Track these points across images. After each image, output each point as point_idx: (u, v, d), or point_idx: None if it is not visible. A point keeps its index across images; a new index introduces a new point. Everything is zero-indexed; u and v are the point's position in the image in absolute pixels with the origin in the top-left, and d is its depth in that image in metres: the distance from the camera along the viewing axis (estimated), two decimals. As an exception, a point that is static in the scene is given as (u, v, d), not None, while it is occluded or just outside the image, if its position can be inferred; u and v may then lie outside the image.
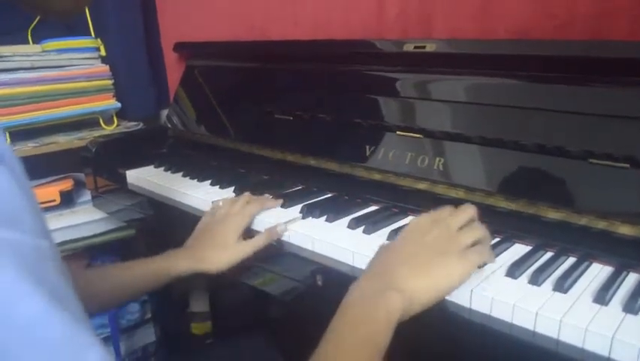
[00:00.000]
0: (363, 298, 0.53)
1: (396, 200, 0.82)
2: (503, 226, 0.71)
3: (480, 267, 0.59)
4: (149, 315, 1.49)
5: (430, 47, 0.82)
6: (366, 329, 0.50)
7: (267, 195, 0.87)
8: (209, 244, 0.78)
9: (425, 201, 0.79)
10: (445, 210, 0.63)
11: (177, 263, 0.77)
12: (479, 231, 0.60)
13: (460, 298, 0.57)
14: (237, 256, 0.77)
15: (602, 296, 0.54)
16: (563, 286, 0.56)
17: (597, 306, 0.53)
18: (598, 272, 0.61)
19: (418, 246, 0.57)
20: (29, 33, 1.44)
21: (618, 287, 0.57)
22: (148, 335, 1.51)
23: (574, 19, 0.78)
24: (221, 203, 0.85)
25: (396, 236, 0.69)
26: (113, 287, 0.76)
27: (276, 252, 0.78)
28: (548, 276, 0.59)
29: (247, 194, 0.86)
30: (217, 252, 0.77)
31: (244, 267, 0.83)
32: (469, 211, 0.62)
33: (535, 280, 0.58)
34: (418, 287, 0.53)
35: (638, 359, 0.47)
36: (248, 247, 0.77)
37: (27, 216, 0.27)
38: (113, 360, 0.28)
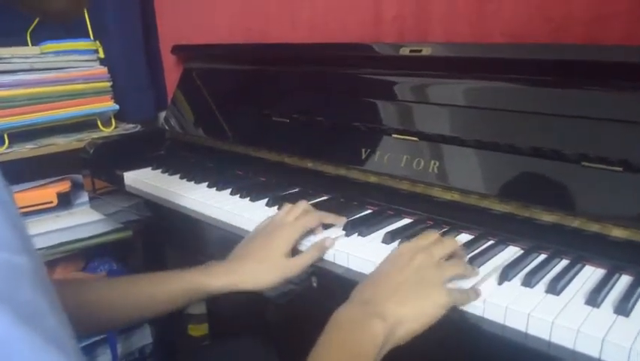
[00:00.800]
0: (348, 322, 0.53)
1: (392, 202, 0.83)
2: (497, 229, 0.72)
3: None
4: (145, 317, 1.48)
5: (426, 51, 0.82)
6: (350, 353, 0.50)
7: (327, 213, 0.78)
8: (254, 258, 0.70)
9: (421, 204, 0.80)
10: (430, 236, 0.63)
11: (215, 279, 0.68)
12: (462, 265, 0.60)
13: (453, 300, 0.58)
14: (283, 275, 0.69)
15: (593, 298, 0.54)
16: (555, 288, 0.57)
17: (589, 308, 0.54)
18: (590, 274, 0.61)
19: (402, 274, 0.57)
20: (28, 35, 1.44)
21: (610, 289, 0.57)
22: (145, 337, 1.51)
23: (569, 24, 0.78)
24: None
25: (390, 240, 0.70)
26: (137, 301, 0.67)
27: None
28: (541, 278, 0.60)
29: (304, 202, 0.77)
30: (260, 269, 0.69)
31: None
32: (453, 243, 0.62)
33: (528, 282, 0.58)
34: (402, 316, 0.53)
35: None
36: (296, 265, 0.69)
37: (2, 232, 0.26)
38: None
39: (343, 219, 0.76)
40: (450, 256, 0.61)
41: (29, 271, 0.27)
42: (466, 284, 0.59)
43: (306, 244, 0.73)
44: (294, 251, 0.72)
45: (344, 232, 0.75)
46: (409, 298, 0.54)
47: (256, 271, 0.68)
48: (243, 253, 0.72)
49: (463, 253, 0.64)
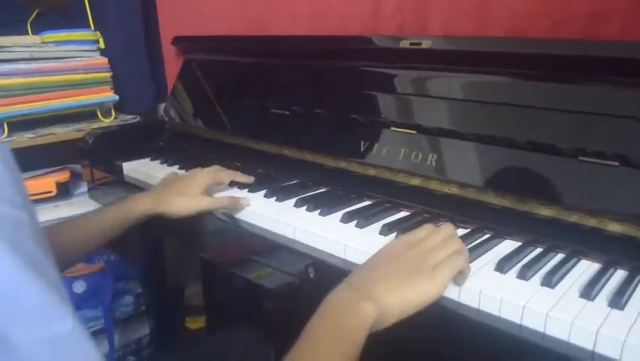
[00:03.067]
0: (339, 305, 0.54)
1: (390, 195, 0.83)
2: (494, 222, 0.72)
3: (456, 280, 0.59)
4: (143, 308, 1.49)
5: (426, 44, 0.82)
6: (340, 334, 0.50)
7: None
8: (172, 190, 0.83)
9: (418, 197, 0.80)
10: (424, 230, 0.63)
11: (137, 205, 0.81)
12: (452, 245, 0.60)
13: (449, 291, 0.58)
14: (197, 206, 0.81)
15: (588, 292, 0.55)
16: (550, 281, 0.57)
17: (583, 301, 0.54)
18: (586, 268, 0.61)
19: (392, 265, 0.58)
20: (29, 25, 1.44)
21: (605, 283, 0.57)
22: (142, 328, 1.51)
23: (568, 19, 0.78)
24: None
25: (387, 232, 0.71)
26: (74, 239, 0.78)
27: (270, 244, 0.78)
28: (536, 271, 0.60)
29: (218, 166, 0.92)
30: (178, 198, 0.81)
31: (238, 259, 0.84)
32: (446, 230, 0.62)
33: (524, 275, 0.59)
34: (391, 302, 0.53)
35: (621, 353, 0.48)
36: (208, 201, 0.82)
37: (5, 188, 0.28)
38: (85, 332, 0.29)
39: (251, 178, 0.91)
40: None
41: (29, 225, 0.29)
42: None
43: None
44: None
45: (341, 223, 0.75)
46: (399, 283, 0.55)
47: (174, 199, 0.82)
48: (165, 186, 0.86)
49: (456, 236, 0.63)
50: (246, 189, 0.90)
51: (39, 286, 0.27)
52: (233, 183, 0.94)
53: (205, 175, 0.86)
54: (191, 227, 0.98)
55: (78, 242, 0.78)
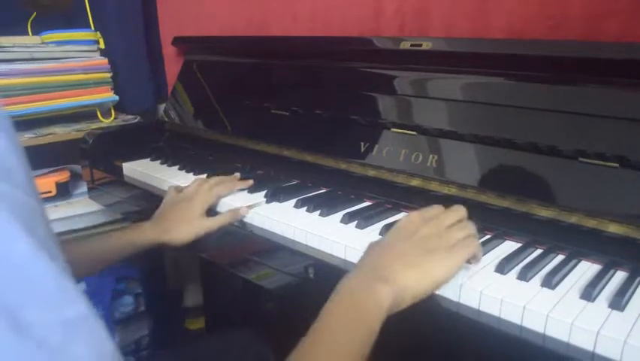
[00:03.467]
0: (354, 288, 0.54)
1: (390, 196, 0.83)
2: (494, 223, 0.72)
3: (469, 262, 0.60)
4: (142, 308, 1.49)
5: (427, 45, 0.82)
6: (356, 317, 0.50)
7: (237, 174, 0.94)
8: (174, 217, 0.83)
9: (418, 198, 0.80)
10: (436, 208, 0.63)
11: (141, 235, 0.81)
12: (468, 228, 0.61)
13: (449, 292, 0.58)
14: (200, 230, 0.81)
15: (588, 293, 0.55)
16: (550, 282, 0.57)
17: (584, 302, 0.54)
18: (586, 270, 0.61)
19: (407, 243, 0.58)
20: (29, 25, 1.44)
21: (605, 285, 0.58)
22: (141, 328, 1.51)
23: (568, 20, 0.79)
24: (183, 184, 0.91)
25: (388, 231, 0.71)
26: (83, 258, 0.79)
27: (270, 245, 0.78)
28: (537, 272, 0.60)
29: (218, 178, 0.90)
30: (181, 225, 0.81)
31: (237, 259, 0.84)
32: (459, 211, 0.63)
33: (524, 276, 0.59)
34: (408, 281, 0.54)
35: (621, 354, 0.48)
36: (211, 222, 0.81)
37: (20, 174, 0.28)
38: (99, 319, 0.29)
39: (250, 182, 0.90)
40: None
41: (39, 213, 0.29)
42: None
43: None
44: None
45: (341, 223, 0.75)
46: (414, 263, 0.55)
47: (176, 228, 0.81)
48: (164, 214, 0.85)
49: (467, 219, 0.64)
50: (246, 190, 0.90)
51: (54, 269, 0.27)
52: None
53: (203, 196, 0.85)
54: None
55: (80, 263, 0.78)
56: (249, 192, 0.90)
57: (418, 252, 0.56)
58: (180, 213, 0.83)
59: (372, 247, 0.61)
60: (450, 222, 0.61)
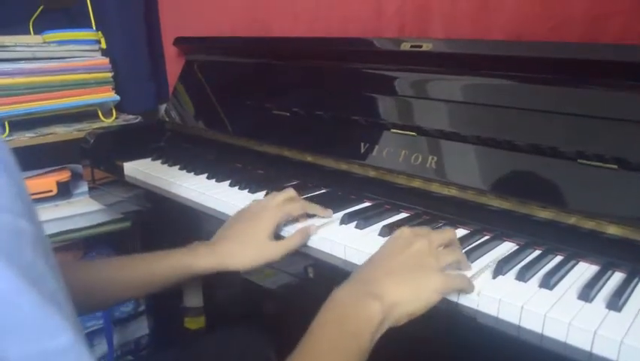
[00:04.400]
0: (343, 300, 0.53)
1: (390, 197, 0.83)
2: (494, 224, 0.72)
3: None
4: (142, 308, 1.49)
5: (427, 47, 0.83)
6: (345, 330, 0.50)
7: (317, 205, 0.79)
8: (237, 239, 0.72)
9: (418, 199, 0.80)
10: (426, 229, 0.63)
11: (200, 259, 0.70)
12: (457, 253, 0.60)
13: (448, 292, 0.58)
14: (267, 257, 0.71)
15: (586, 293, 0.55)
16: (548, 283, 0.57)
17: (581, 303, 0.54)
18: (584, 270, 0.62)
19: (400, 258, 0.57)
20: (31, 24, 1.45)
21: (603, 285, 0.58)
22: (141, 328, 1.51)
23: (568, 22, 0.79)
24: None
25: (387, 234, 0.71)
26: (128, 280, 0.70)
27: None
28: (535, 273, 0.60)
29: (291, 190, 0.79)
30: (244, 249, 0.71)
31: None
32: (449, 232, 0.63)
33: (522, 276, 0.59)
34: (399, 297, 0.53)
35: (618, 354, 0.48)
36: (280, 248, 0.71)
37: (4, 196, 0.27)
38: (86, 348, 0.28)
39: (329, 212, 0.78)
40: (447, 246, 0.62)
41: (31, 235, 0.28)
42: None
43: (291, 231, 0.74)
44: (277, 238, 0.73)
45: (341, 225, 0.75)
46: (406, 280, 0.55)
47: (240, 252, 0.71)
48: (227, 235, 0.74)
49: (459, 244, 0.64)
50: (246, 190, 0.91)
51: (35, 298, 0.26)
52: (235, 183, 0.94)
53: (273, 214, 0.73)
54: (192, 226, 0.98)
55: (122, 285, 0.70)
56: (249, 191, 0.90)
57: (411, 268, 0.56)
58: (243, 234, 0.72)
59: (366, 262, 0.60)
60: (440, 242, 0.60)
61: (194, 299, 1.68)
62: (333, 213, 0.79)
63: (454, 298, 0.58)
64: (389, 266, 0.57)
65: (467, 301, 0.57)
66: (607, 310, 0.53)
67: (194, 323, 1.67)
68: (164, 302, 1.53)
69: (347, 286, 0.56)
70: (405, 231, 0.62)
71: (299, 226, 0.74)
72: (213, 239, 0.74)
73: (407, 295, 0.54)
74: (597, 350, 0.49)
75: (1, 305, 0.25)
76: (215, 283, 1.55)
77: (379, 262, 0.59)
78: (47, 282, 0.27)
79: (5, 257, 0.25)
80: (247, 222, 0.73)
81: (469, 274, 0.60)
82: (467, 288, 0.57)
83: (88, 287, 0.65)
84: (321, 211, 0.78)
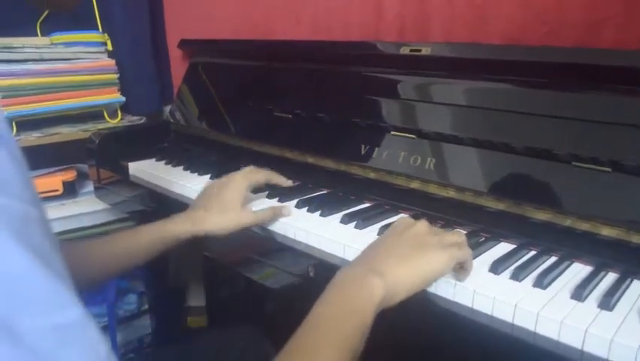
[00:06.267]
0: (347, 279, 0.55)
1: (389, 198, 0.85)
2: (491, 225, 0.74)
3: (459, 279, 0.60)
4: (146, 306, 1.51)
5: (426, 51, 0.84)
6: (348, 306, 0.52)
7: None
8: (212, 205, 0.78)
9: (417, 200, 0.82)
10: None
11: (174, 227, 0.76)
12: (458, 234, 0.62)
13: (444, 290, 0.60)
14: (239, 222, 0.76)
15: (579, 293, 0.56)
16: (542, 282, 0.59)
17: (574, 302, 0.56)
18: (578, 271, 0.63)
19: (400, 240, 0.60)
20: (38, 26, 1.47)
21: (596, 285, 0.59)
22: (144, 327, 1.53)
23: (563, 27, 0.80)
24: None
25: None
26: (119, 255, 0.75)
27: (270, 244, 0.80)
28: (529, 273, 0.62)
29: (252, 166, 0.87)
30: (219, 213, 0.76)
31: (240, 258, 0.86)
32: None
33: (517, 276, 0.60)
34: (400, 274, 0.55)
35: (609, 351, 0.49)
36: (251, 217, 0.77)
37: (15, 183, 0.29)
38: (93, 321, 0.29)
39: (289, 182, 0.89)
40: None
41: (37, 219, 0.30)
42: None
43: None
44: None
45: (341, 224, 0.77)
46: (406, 258, 0.57)
47: (214, 217, 0.76)
48: (201, 203, 0.80)
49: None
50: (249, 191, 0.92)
51: (46, 275, 0.27)
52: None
53: (241, 180, 0.80)
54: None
55: (108, 261, 0.74)
56: (252, 192, 0.92)
57: (411, 247, 0.58)
58: (219, 200, 0.78)
59: (369, 245, 0.62)
60: (439, 228, 0.62)
61: (196, 299, 1.69)
62: (334, 213, 0.81)
63: (449, 295, 0.60)
64: (390, 246, 0.59)
65: (463, 299, 0.59)
66: (599, 309, 0.54)
67: (196, 322, 1.69)
68: (167, 301, 1.55)
69: (350, 266, 0.58)
70: (406, 218, 0.65)
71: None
72: (191, 207, 0.80)
73: (407, 272, 0.55)
74: (588, 348, 0.51)
75: (16, 281, 0.26)
76: (217, 282, 1.56)
77: (381, 243, 0.61)
78: (55, 262, 0.29)
79: (18, 237, 0.27)
80: (219, 191, 0.79)
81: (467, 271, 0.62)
82: (467, 262, 0.59)
83: (80, 266, 0.66)
84: (283, 180, 0.88)
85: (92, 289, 1.31)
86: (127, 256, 0.75)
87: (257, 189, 0.91)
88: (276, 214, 0.79)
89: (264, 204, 0.86)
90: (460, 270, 0.60)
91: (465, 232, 0.74)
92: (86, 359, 0.28)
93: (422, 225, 0.61)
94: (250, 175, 0.82)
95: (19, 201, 0.28)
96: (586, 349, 0.51)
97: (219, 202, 0.78)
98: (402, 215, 0.81)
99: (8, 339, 0.25)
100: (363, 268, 0.56)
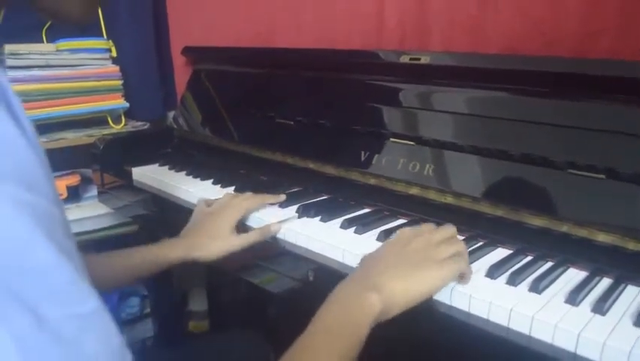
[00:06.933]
0: (345, 294, 0.57)
1: (388, 203, 0.86)
2: (488, 231, 0.75)
3: (459, 282, 0.61)
4: (148, 310, 1.52)
5: (425, 60, 0.86)
6: (345, 320, 0.53)
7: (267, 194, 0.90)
8: (203, 233, 0.81)
9: (416, 205, 0.83)
10: (427, 226, 0.67)
11: (170, 251, 0.80)
12: (457, 245, 0.63)
13: (441, 295, 0.61)
14: (229, 248, 0.80)
15: (573, 298, 0.57)
16: (537, 287, 0.60)
17: (568, 306, 0.57)
18: (573, 276, 0.64)
19: (398, 256, 0.61)
20: (44, 33, 1.49)
21: (590, 290, 0.60)
22: (147, 330, 1.54)
23: (561, 38, 0.82)
24: (212, 198, 0.90)
25: (385, 238, 0.74)
26: (114, 273, 0.78)
27: (271, 249, 0.81)
28: (525, 278, 0.63)
29: (249, 193, 0.89)
30: (210, 241, 0.80)
31: (241, 263, 0.87)
32: (449, 229, 0.66)
33: (513, 281, 0.61)
34: (397, 290, 0.56)
35: (601, 355, 0.50)
36: (240, 240, 0.80)
37: (43, 184, 0.31)
38: (108, 313, 0.32)
39: (282, 197, 0.89)
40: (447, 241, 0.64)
41: (59, 219, 0.32)
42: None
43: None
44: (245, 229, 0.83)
45: (341, 229, 0.78)
46: (403, 274, 0.58)
47: (206, 244, 0.80)
48: (195, 229, 0.84)
49: (458, 238, 0.66)
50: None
51: (70, 269, 0.31)
52: (239, 189, 0.97)
53: (233, 212, 0.83)
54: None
55: (107, 277, 0.77)
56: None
57: (408, 264, 0.59)
58: (209, 228, 0.82)
59: (365, 259, 0.64)
60: (439, 239, 0.63)
61: (198, 303, 1.70)
62: (334, 218, 0.82)
63: (446, 299, 0.61)
64: (389, 262, 0.60)
65: (460, 303, 0.60)
66: (592, 313, 0.55)
67: (198, 327, 1.70)
68: (169, 305, 1.56)
69: (349, 280, 0.59)
70: (405, 230, 0.66)
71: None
72: (183, 233, 0.84)
73: (404, 287, 0.57)
74: (581, 351, 0.52)
75: (42, 273, 0.29)
76: (219, 287, 1.57)
77: (380, 258, 0.62)
78: (75, 256, 0.32)
79: (46, 233, 0.30)
80: (212, 218, 0.83)
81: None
82: (465, 271, 0.60)
83: None
84: (275, 198, 0.89)
85: None
86: (122, 274, 0.79)
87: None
88: (264, 233, 0.81)
89: (265, 210, 0.87)
90: (460, 278, 0.61)
91: (463, 238, 0.75)
92: (103, 346, 0.32)
93: (420, 240, 0.62)
94: (244, 204, 0.85)
95: (45, 200, 0.31)
96: (579, 352, 0.52)
97: (209, 230, 0.81)
98: (400, 220, 0.82)
99: (36, 324, 0.28)
100: (361, 283, 0.57)
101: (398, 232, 0.66)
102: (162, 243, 0.82)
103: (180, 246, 0.81)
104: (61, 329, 0.29)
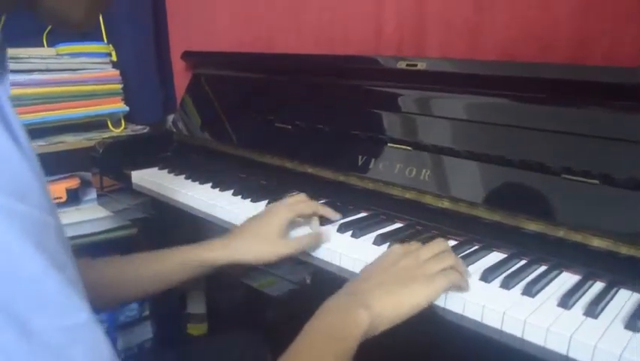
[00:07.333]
0: (334, 311, 0.58)
1: (385, 207, 0.87)
2: (484, 235, 0.76)
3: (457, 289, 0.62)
4: (147, 312, 1.53)
5: (422, 65, 0.87)
6: (333, 337, 0.54)
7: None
8: (250, 235, 0.75)
9: (412, 210, 0.84)
10: (416, 244, 0.67)
11: (213, 252, 0.73)
12: (447, 260, 0.63)
13: (436, 298, 0.62)
14: (280, 252, 0.74)
15: (565, 301, 0.58)
16: (531, 291, 0.61)
17: (560, 310, 0.58)
18: (566, 280, 0.65)
19: (387, 273, 0.62)
20: (44, 37, 1.50)
21: (583, 294, 0.61)
22: (145, 333, 1.54)
23: (557, 44, 0.83)
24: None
25: (381, 242, 0.75)
26: (138, 277, 0.72)
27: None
28: (519, 281, 0.63)
29: (303, 194, 0.84)
30: (257, 243, 0.74)
31: (241, 266, 0.87)
32: (440, 244, 0.66)
33: (506, 284, 0.62)
34: (385, 306, 0.57)
35: (592, 357, 0.51)
36: (293, 245, 0.74)
37: (35, 193, 0.31)
38: (99, 325, 0.32)
39: (338, 215, 0.83)
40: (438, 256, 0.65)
41: (55, 229, 0.32)
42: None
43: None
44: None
45: (338, 233, 0.79)
46: (392, 291, 0.59)
47: (252, 246, 0.74)
48: (241, 231, 0.77)
49: (451, 251, 0.67)
50: (249, 199, 0.94)
51: (60, 280, 0.30)
52: (238, 193, 0.98)
53: (284, 212, 0.76)
54: (197, 233, 1.02)
55: (138, 284, 0.71)
56: (252, 200, 0.94)
57: (397, 281, 0.60)
58: (257, 230, 0.75)
59: (355, 277, 0.64)
60: (429, 255, 0.64)
61: (197, 306, 1.71)
62: (331, 222, 0.83)
63: (441, 303, 0.62)
64: (378, 279, 0.61)
65: (454, 306, 0.61)
66: (584, 316, 0.56)
67: (196, 329, 1.71)
68: (167, 308, 1.57)
69: (338, 296, 0.60)
70: (395, 248, 0.66)
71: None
72: (229, 234, 0.77)
73: (393, 304, 0.58)
74: (573, 354, 0.52)
75: (31, 284, 0.29)
76: (217, 290, 1.58)
77: (369, 275, 0.63)
78: (68, 268, 0.32)
79: (36, 244, 0.30)
80: (260, 220, 0.77)
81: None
82: (459, 282, 0.61)
83: (98, 285, 0.65)
84: (332, 214, 0.82)
85: (110, 309, 1.33)
86: (154, 280, 0.72)
87: (256, 199, 0.94)
88: (316, 241, 0.76)
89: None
90: (457, 289, 0.62)
91: (458, 242, 0.76)
92: (92, 357, 0.32)
93: (409, 259, 0.63)
94: (295, 207, 0.78)
95: (38, 210, 0.31)
96: (571, 355, 0.53)
97: (256, 232, 0.75)
98: (398, 225, 0.83)
99: (24, 336, 0.28)
100: (350, 299, 0.58)
101: (389, 249, 0.68)
102: (205, 243, 0.75)
103: (224, 247, 0.74)
104: (49, 340, 0.29)
